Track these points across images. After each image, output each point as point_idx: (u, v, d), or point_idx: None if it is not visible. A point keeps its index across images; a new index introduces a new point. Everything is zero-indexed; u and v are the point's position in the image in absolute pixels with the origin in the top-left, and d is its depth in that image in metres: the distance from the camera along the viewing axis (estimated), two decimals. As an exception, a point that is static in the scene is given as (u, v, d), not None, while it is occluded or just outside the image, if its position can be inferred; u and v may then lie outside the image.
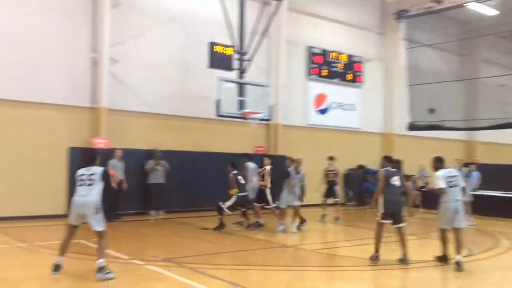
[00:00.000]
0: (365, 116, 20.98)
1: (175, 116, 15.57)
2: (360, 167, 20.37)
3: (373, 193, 19.17)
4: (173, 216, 14.13)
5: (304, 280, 7.47)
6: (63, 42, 13.68)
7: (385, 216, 8.37)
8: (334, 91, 19.88)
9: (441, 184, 8.17)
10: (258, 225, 12.04)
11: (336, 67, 19.72)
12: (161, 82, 15.33)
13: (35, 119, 13.19)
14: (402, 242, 8.31)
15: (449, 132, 20.16)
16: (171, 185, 14.51)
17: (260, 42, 15.42)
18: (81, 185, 7.03)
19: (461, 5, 18.87)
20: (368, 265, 8.19)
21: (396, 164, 9.12)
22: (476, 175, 16.42)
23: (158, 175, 14.46)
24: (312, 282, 7.30)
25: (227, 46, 14.48)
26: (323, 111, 19.63)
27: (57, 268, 6.84)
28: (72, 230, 7.08)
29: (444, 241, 8.33)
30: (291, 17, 18.20)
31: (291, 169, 11.83)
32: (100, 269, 6.70)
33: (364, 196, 19.60)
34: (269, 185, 12.16)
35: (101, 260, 6.73)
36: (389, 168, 8.66)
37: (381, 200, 8.38)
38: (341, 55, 19.79)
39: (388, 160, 8.87)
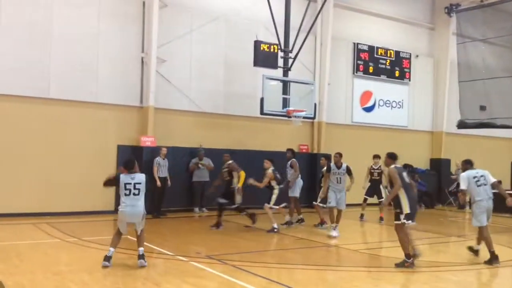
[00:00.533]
0: (412, 113, 20.47)
1: (219, 114, 15.75)
2: (406, 166, 19.89)
3: (420, 193, 18.89)
4: (216, 213, 14.29)
5: (348, 280, 7.39)
6: (114, 44, 14.13)
7: (411, 216, 7.89)
8: (381, 88, 19.50)
9: (463, 185, 8.61)
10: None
11: (383, 63, 19.34)
12: (206, 80, 15.54)
13: (87, 118, 13.71)
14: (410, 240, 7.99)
15: (501, 130, 19.39)
16: (210, 183, 14.67)
17: (305, 39, 15.34)
18: (127, 194, 7.42)
19: (517, -3, 18.08)
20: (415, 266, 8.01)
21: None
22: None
23: (202, 173, 14.67)
24: (356, 283, 7.21)
25: (272, 44, 14.49)
26: (369, 109, 19.30)
27: (108, 259, 7.29)
28: (121, 235, 7.64)
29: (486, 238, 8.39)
30: (337, 13, 17.98)
31: (332, 165, 11.61)
32: (141, 256, 7.38)
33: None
34: (276, 186, 11.64)
35: (141, 248, 7.45)
36: (397, 165, 8.28)
37: (406, 200, 7.87)
38: (389, 51, 19.38)
39: (392, 157, 8.43)
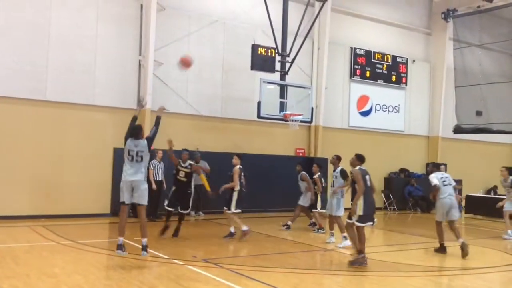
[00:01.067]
0: (409, 118, 20.53)
1: (216, 117, 15.76)
2: (402, 170, 19.95)
3: (416, 197, 18.93)
4: (212, 217, 14.29)
5: (344, 285, 7.39)
6: (112, 46, 14.13)
7: (365, 218, 8.23)
8: (378, 93, 19.56)
9: (435, 182, 9.70)
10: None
11: (380, 68, 19.40)
12: (203, 84, 15.55)
13: (84, 121, 13.70)
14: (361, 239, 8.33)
15: (497, 136, 19.47)
16: (210, 187, 14.65)
17: (302, 43, 15.38)
18: (130, 160, 7.83)
19: (513, 4, 18.19)
20: (410, 270, 8.02)
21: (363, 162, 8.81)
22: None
23: (198, 177, 14.60)
24: (352, 287, 7.22)
25: (270, 48, 14.52)
26: (365, 113, 19.35)
27: (120, 247, 7.63)
28: (125, 215, 8.02)
29: (439, 232, 9.59)
30: (334, 17, 18.05)
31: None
32: (144, 247, 7.76)
33: (408, 200, 19.18)
34: (237, 187, 10.67)
35: (144, 240, 7.78)
36: (362, 167, 8.53)
37: (361, 202, 8.19)
38: (385, 56, 19.46)
39: (359, 159, 8.63)
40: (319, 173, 12.38)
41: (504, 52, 20.22)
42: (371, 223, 8.50)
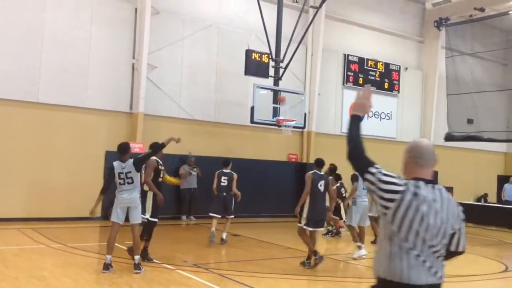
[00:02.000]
0: (401, 125, 20.64)
1: (209, 122, 15.74)
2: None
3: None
4: (204, 221, 14.23)
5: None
6: (106, 49, 14.09)
7: (311, 222, 8.32)
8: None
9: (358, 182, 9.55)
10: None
11: (372, 75, 19.50)
12: (196, 88, 15.54)
13: (76, 123, 13.61)
14: (311, 243, 8.37)
15: (488, 144, 19.62)
16: (202, 191, 14.64)
17: (296, 49, 15.43)
18: (121, 183, 7.51)
19: (505, 13, 18.39)
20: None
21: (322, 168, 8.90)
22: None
23: (191, 180, 14.62)
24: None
25: (264, 54, 14.55)
26: (358, 120, 19.37)
27: (107, 267, 7.29)
28: (116, 231, 7.65)
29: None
30: (328, 24, 18.13)
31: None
32: (136, 266, 7.47)
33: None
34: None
35: (137, 257, 7.51)
36: (317, 171, 8.55)
37: (306, 206, 8.33)
38: (378, 63, 19.57)
39: (316, 163, 8.78)
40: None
41: (495, 61, 20.44)
42: (311, 228, 8.39)
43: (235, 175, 10.80)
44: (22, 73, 12.82)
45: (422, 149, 2.94)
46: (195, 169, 14.63)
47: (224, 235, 10.64)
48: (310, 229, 8.38)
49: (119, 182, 7.42)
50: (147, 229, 8.33)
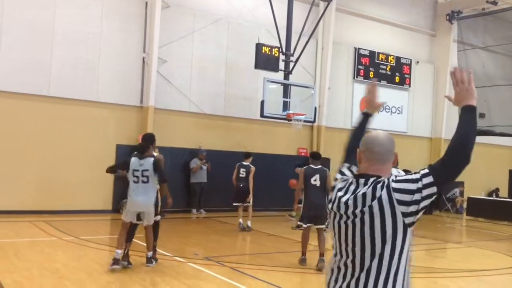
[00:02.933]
0: (412, 119, 20.51)
1: (219, 116, 15.75)
2: (404, 171, 19.92)
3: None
4: (214, 215, 14.30)
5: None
6: (116, 44, 14.12)
7: (304, 219, 7.96)
8: (381, 94, 18.87)
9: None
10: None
11: (383, 69, 19.36)
12: (207, 82, 15.55)
13: (87, 117, 13.69)
14: (321, 242, 7.89)
15: (500, 138, 19.43)
16: (212, 185, 14.69)
17: (306, 43, 15.36)
18: (135, 182, 7.17)
19: (519, 6, 18.15)
20: (412, 272, 8.01)
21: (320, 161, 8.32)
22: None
23: (201, 174, 14.66)
24: None
25: (274, 47, 14.51)
26: (368, 114, 19.27)
27: (116, 262, 6.99)
28: (126, 230, 7.44)
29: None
30: (338, 18, 18.01)
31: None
32: (148, 259, 7.39)
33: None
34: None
35: (149, 253, 7.42)
36: (312, 166, 8.10)
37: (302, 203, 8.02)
38: (389, 57, 19.42)
39: (312, 156, 8.26)
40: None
41: (507, 55, 20.19)
42: (305, 225, 7.99)
43: (252, 168, 11.68)
44: (34, 68, 12.90)
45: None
46: (206, 164, 14.66)
47: (249, 223, 11.62)
48: (305, 225, 8.02)
49: (133, 180, 6.95)
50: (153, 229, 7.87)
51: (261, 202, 14.20)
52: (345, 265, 2.30)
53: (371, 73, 19.01)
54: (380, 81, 19.33)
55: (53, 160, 13.12)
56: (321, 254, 7.87)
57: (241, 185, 11.62)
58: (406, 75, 19.98)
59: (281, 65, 14.85)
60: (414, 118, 20.57)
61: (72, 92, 13.42)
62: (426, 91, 20.94)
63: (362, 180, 2.35)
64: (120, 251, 7.06)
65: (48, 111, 13.15)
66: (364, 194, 2.26)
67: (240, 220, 11.72)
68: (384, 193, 2.22)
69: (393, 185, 2.24)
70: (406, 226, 2.22)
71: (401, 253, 2.23)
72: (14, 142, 12.69)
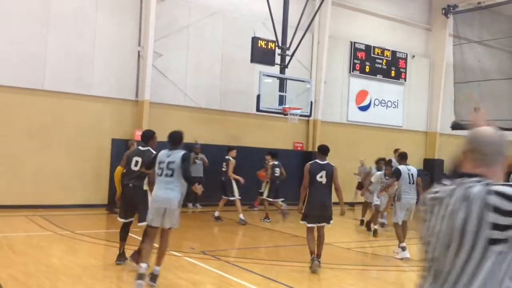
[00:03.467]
0: (407, 113, 20.54)
1: (215, 110, 15.70)
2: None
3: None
4: (210, 209, 14.27)
5: (342, 278, 7.39)
6: (111, 37, 14.03)
7: (307, 218, 7.36)
8: (377, 88, 19.54)
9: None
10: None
11: (379, 63, 19.36)
12: (202, 76, 15.49)
13: (82, 111, 13.61)
14: (312, 243, 7.42)
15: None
16: (209, 179, 14.65)
17: (302, 37, 15.32)
18: (159, 174, 6.27)
19: (515, 0, 18.15)
20: (412, 265, 8.05)
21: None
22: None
23: (197, 169, 14.62)
24: (350, 281, 7.23)
25: (270, 41, 14.47)
26: (364, 108, 19.33)
27: (141, 277, 5.92)
28: (152, 237, 6.42)
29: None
30: (335, 11, 17.96)
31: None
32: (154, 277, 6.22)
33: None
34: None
35: (157, 268, 6.24)
36: (318, 161, 7.43)
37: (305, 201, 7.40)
38: (385, 51, 19.41)
39: (320, 150, 7.57)
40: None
41: (503, 49, 20.23)
42: (314, 225, 7.42)
43: (231, 161, 12.17)
44: (28, 61, 12.80)
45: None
46: (199, 157, 14.61)
47: (240, 216, 11.91)
48: (308, 225, 7.43)
49: (157, 173, 6.18)
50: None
51: (255, 197, 14.19)
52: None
53: (367, 67, 19.01)
54: (375, 76, 19.35)
55: (48, 154, 13.05)
56: (318, 255, 7.42)
57: (222, 179, 12.18)
58: (401, 69, 19.99)
59: (277, 59, 14.82)
60: (410, 112, 20.61)
61: (67, 86, 13.35)
62: (421, 86, 20.96)
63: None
64: (145, 265, 5.97)
65: (42, 105, 13.06)
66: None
67: (216, 213, 12.29)
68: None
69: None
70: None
71: None
72: (9, 136, 12.61)
